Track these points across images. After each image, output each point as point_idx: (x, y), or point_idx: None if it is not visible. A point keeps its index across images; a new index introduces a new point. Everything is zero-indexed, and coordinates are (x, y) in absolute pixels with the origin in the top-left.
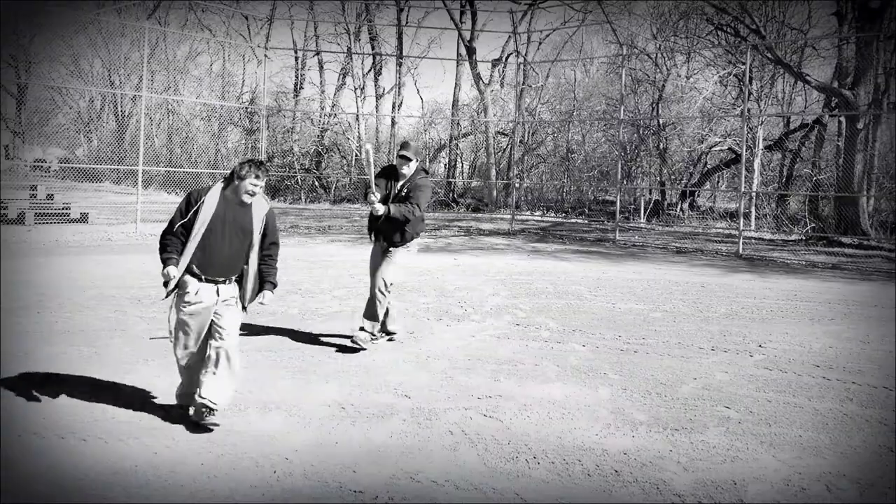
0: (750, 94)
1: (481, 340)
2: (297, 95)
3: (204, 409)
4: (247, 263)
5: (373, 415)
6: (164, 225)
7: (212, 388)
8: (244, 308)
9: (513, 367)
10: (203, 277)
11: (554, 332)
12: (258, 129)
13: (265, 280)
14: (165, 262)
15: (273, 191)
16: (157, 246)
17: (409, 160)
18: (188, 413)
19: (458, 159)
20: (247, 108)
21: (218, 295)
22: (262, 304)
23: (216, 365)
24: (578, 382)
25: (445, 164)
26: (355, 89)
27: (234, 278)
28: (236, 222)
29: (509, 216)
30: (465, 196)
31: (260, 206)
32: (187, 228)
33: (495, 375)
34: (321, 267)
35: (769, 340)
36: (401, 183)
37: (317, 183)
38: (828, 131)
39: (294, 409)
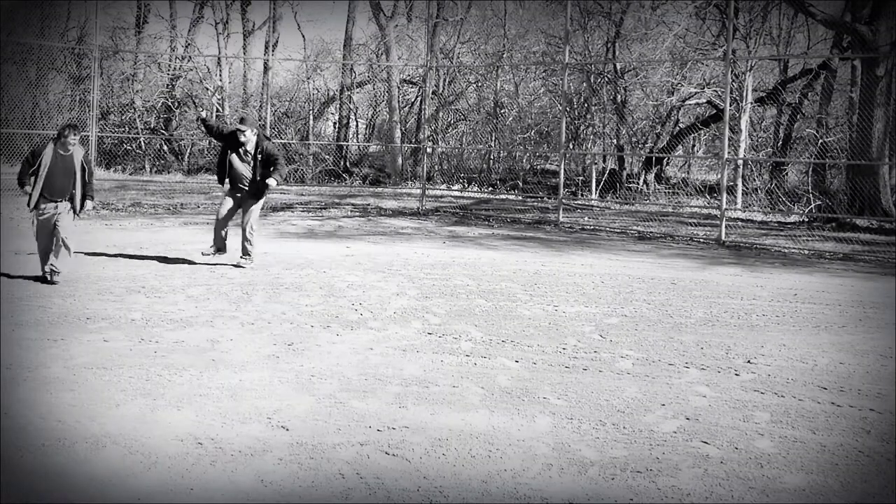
0: (736, 30)
1: (382, 354)
2: (139, 32)
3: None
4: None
5: (239, 452)
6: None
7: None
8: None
9: (423, 390)
10: (48, 198)
11: (477, 343)
12: (88, 77)
13: (86, 197)
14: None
15: (108, 157)
16: None
17: (244, 131)
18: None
19: (352, 116)
20: (73, 48)
21: (57, 209)
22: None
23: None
24: (510, 410)
25: (335, 124)
26: (216, 24)
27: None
28: (64, 164)
29: (419, 191)
30: (360, 165)
31: (77, 152)
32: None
33: (400, 400)
34: (172, 258)
35: (760, 354)
36: (251, 149)
37: (165, 147)
38: (838, 79)
39: (135, 444)
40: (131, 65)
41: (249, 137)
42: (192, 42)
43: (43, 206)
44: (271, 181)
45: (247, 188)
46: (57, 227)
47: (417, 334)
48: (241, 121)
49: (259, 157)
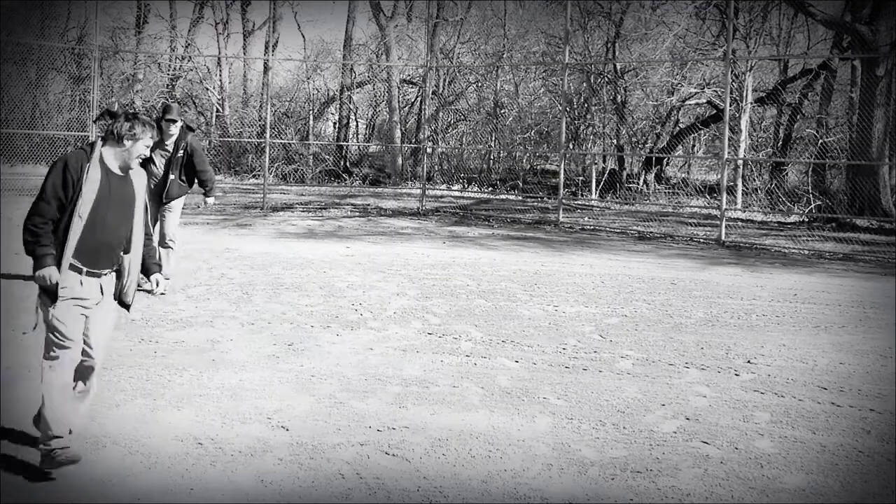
0: (735, 30)
1: (382, 354)
2: (139, 32)
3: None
4: (128, 250)
5: (239, 452)
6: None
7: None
8: (128, 307)
9: (423, 390)
10: (85, 270)
11: (477, 343)
12: (88, 77)
13: (150, 264)
14: (42, 259)
15: None
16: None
17: (175, 122)
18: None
19: (352, 116)
20: (73, 48)
21: (102, 293)
22: (162, 293)
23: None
24: (510, 410)
25: (335, 124)
26: (216, 24)
27: (114, 269)
28: (121, 196)
29: (419, 191)
30: (360, 165)
31: (139, 174)
32: (62, 209)
33: (400, 400)
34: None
35: (760, 354)
36: (171, 143)
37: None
38: (838, 79)
39: (135, 444)
40: (131, 65)
41: (174, 131)
42: (192, 42)
43: (68, 285)
44: (210, 200)
45: (162, 190)
46: (87, 335)
47: (417, 334)
48: (167, 109)
49: (181, 154)
